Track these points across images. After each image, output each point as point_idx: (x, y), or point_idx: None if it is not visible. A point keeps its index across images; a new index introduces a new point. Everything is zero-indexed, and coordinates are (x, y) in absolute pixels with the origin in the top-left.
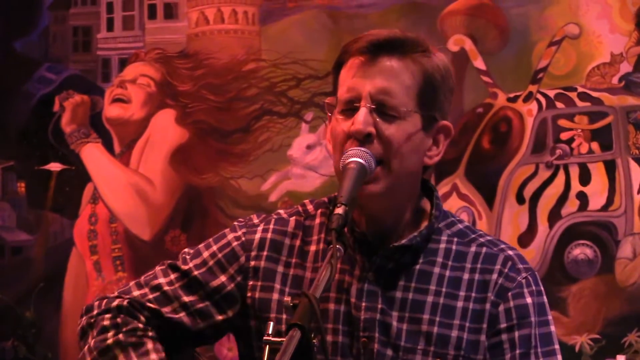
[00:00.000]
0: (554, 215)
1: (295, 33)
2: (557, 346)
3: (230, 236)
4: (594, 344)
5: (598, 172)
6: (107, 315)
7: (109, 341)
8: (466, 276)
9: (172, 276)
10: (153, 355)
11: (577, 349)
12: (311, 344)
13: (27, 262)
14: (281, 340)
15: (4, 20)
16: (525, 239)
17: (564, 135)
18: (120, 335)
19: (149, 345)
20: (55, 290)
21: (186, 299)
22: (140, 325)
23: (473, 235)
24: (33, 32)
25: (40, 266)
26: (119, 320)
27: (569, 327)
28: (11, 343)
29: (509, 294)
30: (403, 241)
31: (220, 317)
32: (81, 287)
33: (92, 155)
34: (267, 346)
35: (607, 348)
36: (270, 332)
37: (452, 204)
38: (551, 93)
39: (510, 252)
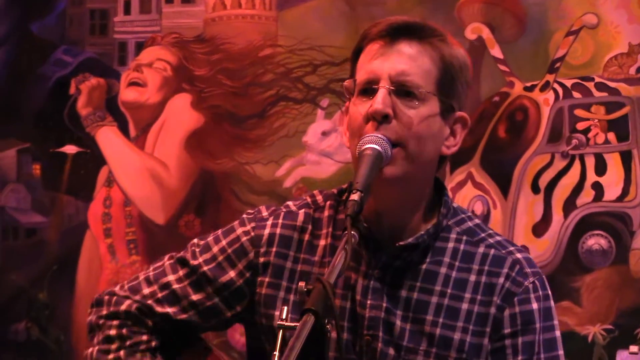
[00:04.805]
0: (569, 205)
1: (312, 19)
2: (561, 352)
3: (240, 231)
4: (607, 334)
5: (614, 163)
6: (115, 322)
7: (110, 356)
8: (472, 278)
9: (181, 272)
10: None
11: (590, 339)
12: (325, 330)
13: (41, 244)
14: (295, 325)
15: (21, 3)
16: (540, 228)
17: (580, 125)
18: (122, 353)
19: None
20: (69, 273)
21: (195, 297)
22: (145, 338)
23: (482, 235)
24: (50, 14)
25: (54, 248)
26: (124, 331)
27: (582, 318)
28: (24, 324)
29: (515, 299)
30: (410, 240)
31: (229, 314)
32: (95, 270)
33: (108, 138)
34: (281, 330)
35: (620, 339)
36: (284, 316)
37: (467, 193)
38: (568, 83)
39: (519, 255)
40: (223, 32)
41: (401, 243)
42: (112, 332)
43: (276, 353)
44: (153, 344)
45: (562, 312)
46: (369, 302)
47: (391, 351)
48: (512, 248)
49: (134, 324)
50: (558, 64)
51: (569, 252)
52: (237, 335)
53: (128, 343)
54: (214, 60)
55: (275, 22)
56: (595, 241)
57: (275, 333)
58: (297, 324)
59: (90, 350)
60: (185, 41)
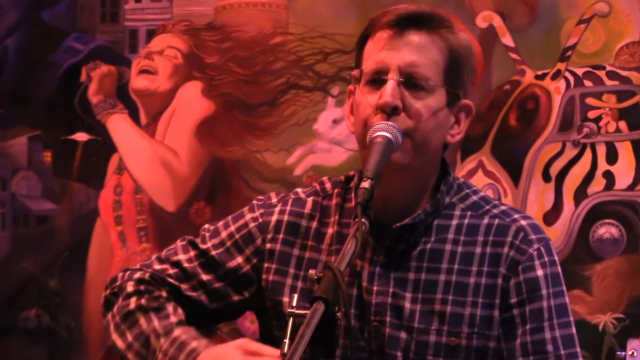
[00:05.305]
0: (580, 194)
1: (323, 7)
2: (571, 318)
3: (248, 217)
4: (617, 323)
5: (625, 151)
6: (131, 283)
7: (132, 306)
8: (478, 250)
9: (192, 253)
10: (173, 318)
11: (600, 328)
12: (335, 317)
13: (52, 232)
14: (305, 313)
15: None
16: (551, 217)
17: (592, 114)
18: (143, 300)
19: (170, 309)
20: (79, 260)
21: (204, 277)
22: (164, 294)
23: (487, 207)
24: (61, 2)
25: (65, 236)
26: (142, 287)
27: (592, 306)
28: (35, 312)
29: (520, 267)
30: (406, 220)
31: (236, 298)
32: (105, 257)
33: (118, 126)
34: (291, 318)
35: (631, 328)
36: (295, 304)
37: (478, 181)
38: (579, 71)
39: (523, 222)
40: (234, 19)
41: (397, 224)
42: (130, 288)
43: (286, 340)
44: (171, 301)
45: (572, 301)
46: (375, 288)
47: (402, 334)
48: (516, 215)
49: (149, 285)
50: (569, 53)
51: (579, 241)
52: (247, 322)
53: (147, 295)
54: (224, 48)
55: (286, 10)
56: (606, 230)
57: (284, 318)
58: (307, 311)
59: (110, 313)
60: (196, 29)
